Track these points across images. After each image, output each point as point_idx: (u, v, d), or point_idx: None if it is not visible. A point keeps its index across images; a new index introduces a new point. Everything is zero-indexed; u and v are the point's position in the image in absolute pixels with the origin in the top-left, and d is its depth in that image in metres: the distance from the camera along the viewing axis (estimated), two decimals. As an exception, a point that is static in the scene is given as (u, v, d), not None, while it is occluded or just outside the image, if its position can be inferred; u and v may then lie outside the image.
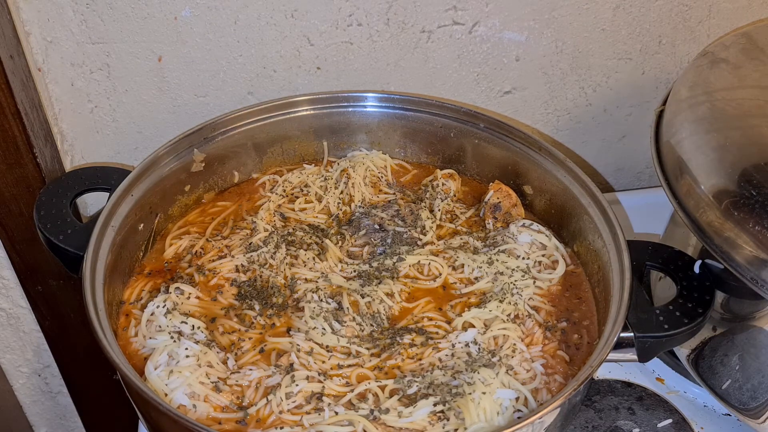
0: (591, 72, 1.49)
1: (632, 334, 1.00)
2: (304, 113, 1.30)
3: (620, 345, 0.99)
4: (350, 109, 1.31)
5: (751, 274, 0.95)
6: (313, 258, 1.17)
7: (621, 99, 1.54)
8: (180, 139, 1.20)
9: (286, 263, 1.16)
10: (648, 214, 1.35)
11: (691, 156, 1.05)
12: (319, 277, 1.14)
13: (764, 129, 1.04)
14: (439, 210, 1.25)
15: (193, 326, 1.04)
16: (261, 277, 1.14)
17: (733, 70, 1.13)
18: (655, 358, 1.10)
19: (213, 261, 1.16)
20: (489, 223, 1.24)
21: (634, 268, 1.04)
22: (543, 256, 1.18)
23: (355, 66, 1.38)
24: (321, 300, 1.10)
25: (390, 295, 1.12)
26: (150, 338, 1.03)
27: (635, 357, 1.02)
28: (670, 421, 1.19)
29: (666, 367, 1.27)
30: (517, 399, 0.98)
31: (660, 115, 1.15)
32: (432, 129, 1.30)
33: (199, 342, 1.03)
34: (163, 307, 1.05)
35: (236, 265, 1.15)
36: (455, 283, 1.15)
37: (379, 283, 1.13)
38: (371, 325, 1.08)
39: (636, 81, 1.52)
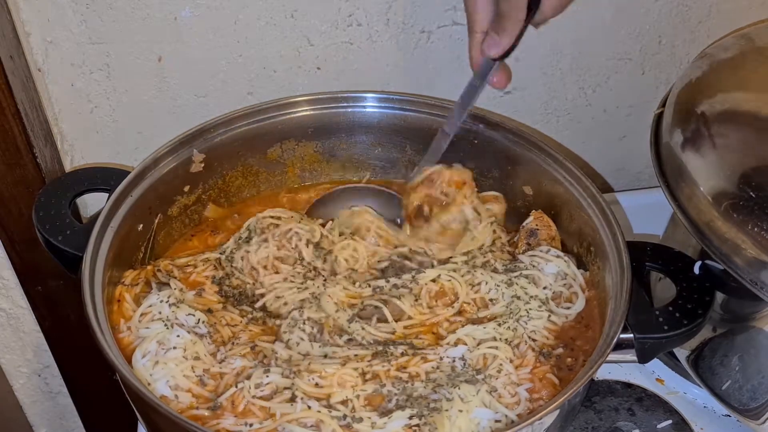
0: (591, 72, 1.49)
1: (632, 335, 0.99)
2: (304, 113, 1.29)
3: (620, 346, 0.99)
4: (350, 110, 1.31)
5: (751, 276, 0.95)
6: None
7: (621, 99, 1.54)
8: (180, 139, 1.20)
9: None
10: (648, 214, 1.35)
11: (690, 158, 1.05)
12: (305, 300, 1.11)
13: (764, 131, 1.04)
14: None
15: (199, 320, 1.05)
16: (234, 277, 1.14)
17: (732, 71, 1.13)
18: (655, 358, 1.10)
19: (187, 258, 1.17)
20: (520, 249, 1.19)
21: (634, 268, 1.04)
22: (563, 287, 1.13)
23: (355, 66, 1.38)
24: (300, 324, 1.07)
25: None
26: (144, 328, 1.03)
27: (635, 358, 1.02)
28: (670, 422, 1.19)
29: (666, 367, 1.27)
30: (497, 422, 0.96)
31: (659, 117, 1.15)
32: (432, 129, 1.30)
33: (196, 334, 1.03)
34: (166, 302, 1.05)
35: (212, 263, 1.15)
36: (469, 303, 1.12)
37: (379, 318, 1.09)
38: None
39: (636, 81, 1.52)
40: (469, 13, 1.11)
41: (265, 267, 1.14)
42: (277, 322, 1.09)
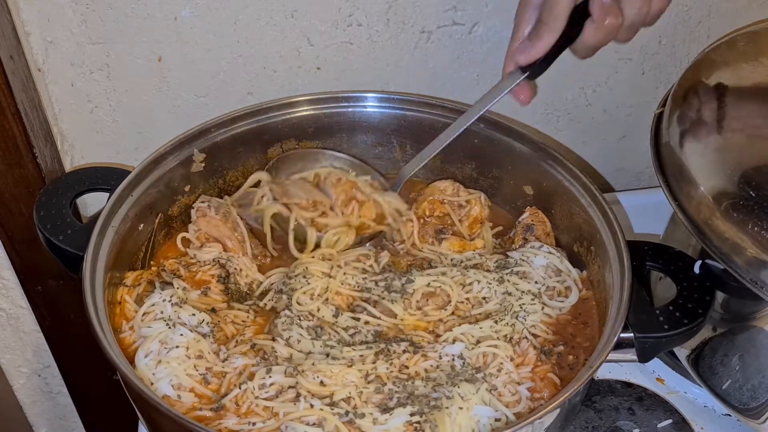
0: (591, 72, 1.49)
1: (632, 334, 0.99)
2: (304, 113, 1.29)
3: (620, 345, 0.99)
4: (350, 109, 1.31)
5: (751, 275, 0.95)
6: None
7: (621, 99, 1.54)
8: (180, 139, 1.20)
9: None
10: (648, 214, 1.35)
11: (690, 157, 1.05)
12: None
13: (764, 131, 1.04)
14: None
15: (203, 320, 1.05)
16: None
17: (732, 71, 1.13)
18: (656, 358, 1.10)
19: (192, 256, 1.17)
20: (517, 244, 1.20)
21: (634, 268, 1.04)
22: (557, 282, 1.14)
23: (355, 66, 1.38)
24: (297, 320, 1.07)
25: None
26: (146, 327, 1.03)
27: (635, 357, 1.02)
28: (670, 421, 1.19)
29: (666, 367, 1.27)
30: (498, 420, 0.96)
31: (659, 117, 1.15)
32: (432, 129, 1.30)
33: (199, 333, 1.03)
34: (169, 301, 1.05)
35: (215, 259, 1.15)
36: (463, 302, 1.12)
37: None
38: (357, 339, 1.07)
39: (636, 81, 1.52)
40: (516, 21, 1.11)
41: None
42: (275, 320, 1.09)
